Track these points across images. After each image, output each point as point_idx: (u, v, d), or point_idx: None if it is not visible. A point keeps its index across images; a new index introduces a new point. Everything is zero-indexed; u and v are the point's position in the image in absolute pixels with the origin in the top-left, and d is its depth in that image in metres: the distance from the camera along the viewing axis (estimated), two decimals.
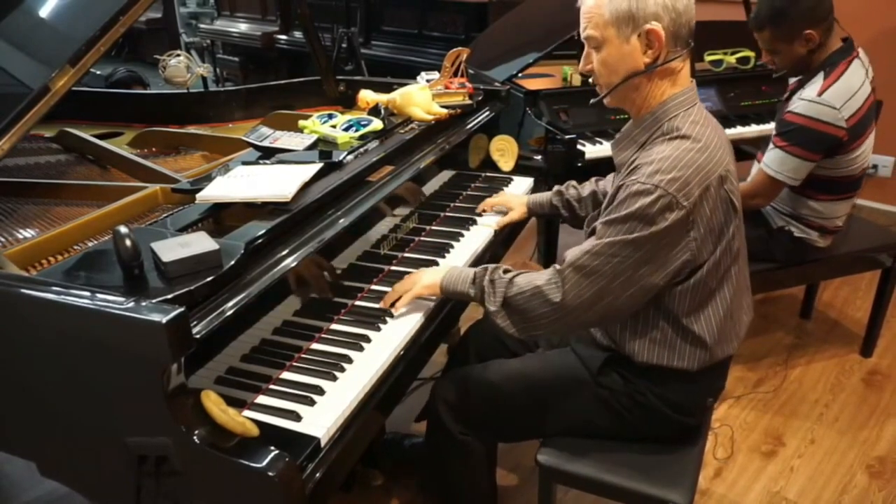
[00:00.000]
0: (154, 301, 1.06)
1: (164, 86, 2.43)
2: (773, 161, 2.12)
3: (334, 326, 1.47)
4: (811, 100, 2.05)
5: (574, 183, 1.86)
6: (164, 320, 0.98)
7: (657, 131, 1.34)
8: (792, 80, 2.28)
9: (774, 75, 2.28)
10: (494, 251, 1.91)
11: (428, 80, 2.09)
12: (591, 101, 1.44)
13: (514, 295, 1.38)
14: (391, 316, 1.49)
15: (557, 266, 1.37)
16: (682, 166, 1.25)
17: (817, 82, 2.08)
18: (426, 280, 1.50)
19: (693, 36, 1.33)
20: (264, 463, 1.04)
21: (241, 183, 1.48)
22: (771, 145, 2.14)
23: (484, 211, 1.95)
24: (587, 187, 1.84)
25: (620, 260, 1.28)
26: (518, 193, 2.04)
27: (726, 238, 1.33)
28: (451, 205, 2.03)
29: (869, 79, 2.14)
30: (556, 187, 1.89)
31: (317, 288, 1.45)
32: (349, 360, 1.35)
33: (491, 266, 1.46)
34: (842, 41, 2.13)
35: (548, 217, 1.95)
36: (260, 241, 1.30)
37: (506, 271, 1.44)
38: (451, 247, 1.79)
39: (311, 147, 1.69)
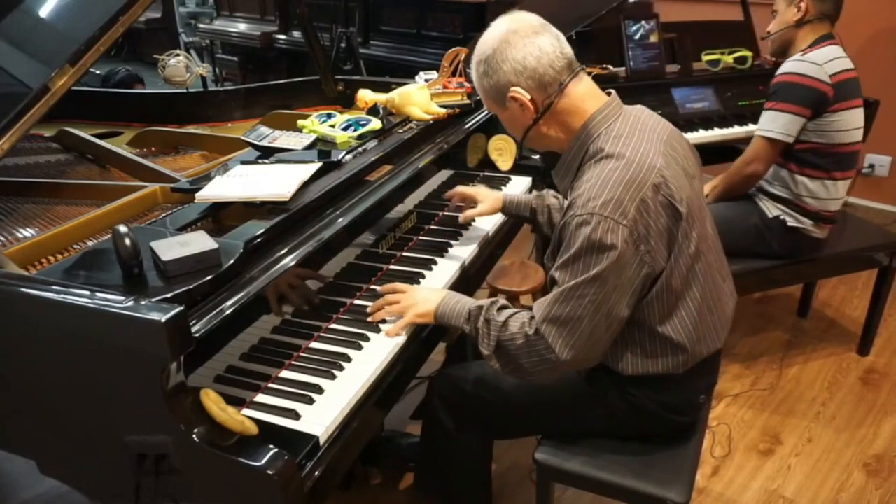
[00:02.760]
0: (153, 300, 1.06)
1: (163, 85, 2.43)
2: (763, 122, 2.23)
3: (333, 325, 1.47)
4: (794, 59, 2.20)
5: (554, 192, 1.81)
6: (163, 319, 0.99)
7: (585, 155, 1.36)
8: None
9: (762, 37, 2.45)
10: (492, 251, 1.91)
11: (426, 80, 2.09)
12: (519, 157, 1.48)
13: (506, 340, 1.36)
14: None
15: (534, 319, 1.33)
16: (610, 187, 1.25)
17: (800, 52, 2.23)
18: (421, 308, 1.46)
19: (570, 66, 1.34)
20: (263, 461, 1.04)
21: (240, 182, 1.49)
22: (763, 113, 2.25)
23: (454, 203, 1.88)
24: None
25: (591, 299, 1.26)
26: (491, 203, 1.86)
27: (678, 242, 1.31)
28: (450, 204, 2.04)
29: (849, 59, 2.25)
30: (535, 192, 1.86)
31: (315, 287, 1.45)
32: (348, 359, 1.36)
33: (487, 302, 1.41)
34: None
35: (521, 219, 1.87)
36: (259, 240, 1.30)
37: (501, 309, 1.40)
38: (450, 246, 1.79)
39: (309, 146, 1.70)
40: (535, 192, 1.84)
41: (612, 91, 1.41)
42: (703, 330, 1.41)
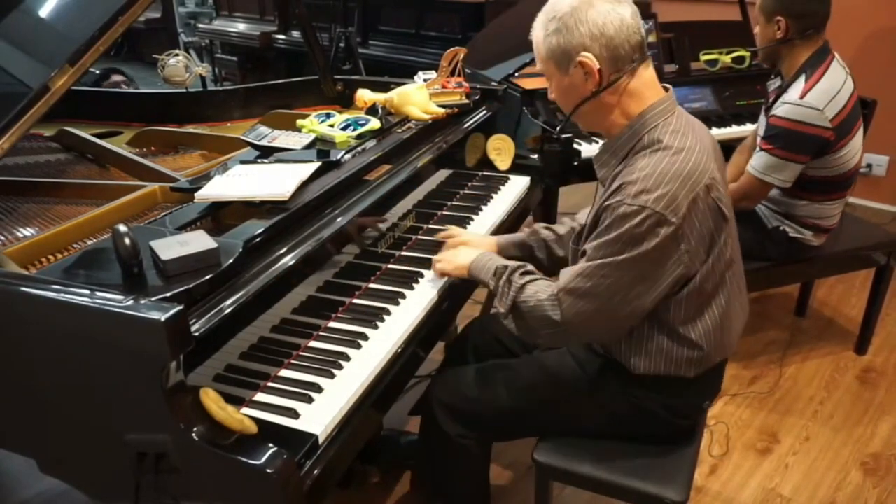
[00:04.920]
0: (153, 299, 1.07)
1: (162, 85, 2.43)
2: (760, 164, 2.14)
3: (332, 324, 1.48)
4: (794, 103, 2.07)
5: (545, 224, 1.76)
6: (162, 318, 0.99)
7: (637, 144, 1.32)
8: (771, 88, 2.30)
9: (750, 49, 2.43)
10: None
11: (425, 80, 2.10)
12: (557, 129, 1.46)
13: (521, 302, 1.39)
14: (388, 314, 1.50)
15: (555, 285, 1.36)
16: (668, 181, 1.23)
17: (799, 85, 2.10)
18: (461, 260, 1.57)
19: (642, 49, 1.31)
20: (262, 460, 1.05)
21: (239, 182, 1.49)
22: (757, 148, 2.17)
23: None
24: (563, 227, 1.72)
25: (614, 280, 1.27)
26: (482, 234, 1.87)
27: (718, 246, 1.32)
28: (449, 203, 2.04)
29: (849, 76, 2.16)
30: (525, 228, 1.80)
31: (315, 286, 1.46)
32: (347, 358, 1.36)
33: (514, 264, 1.46)
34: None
35: (517, 259, 1.71)
36: (258, 239, 1.30)
37: (524, 273, 1.43)
38: None
39: (309, 146, 1.70)
40: (525, 230, 1.78)
41: (670, 87, 1.38)
42: (721, 337, 1.41)
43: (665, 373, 1.41)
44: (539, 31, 1.34)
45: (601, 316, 1.31)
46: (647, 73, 1.33)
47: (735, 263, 1.40)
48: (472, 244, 1.69)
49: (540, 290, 1.38)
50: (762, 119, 2.33)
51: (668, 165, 1.25)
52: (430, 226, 1.91)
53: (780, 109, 2.10)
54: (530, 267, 1.46)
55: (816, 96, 2.05)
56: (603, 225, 1.29)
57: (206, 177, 1.56)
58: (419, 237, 1.85)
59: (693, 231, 1.26)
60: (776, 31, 2.13)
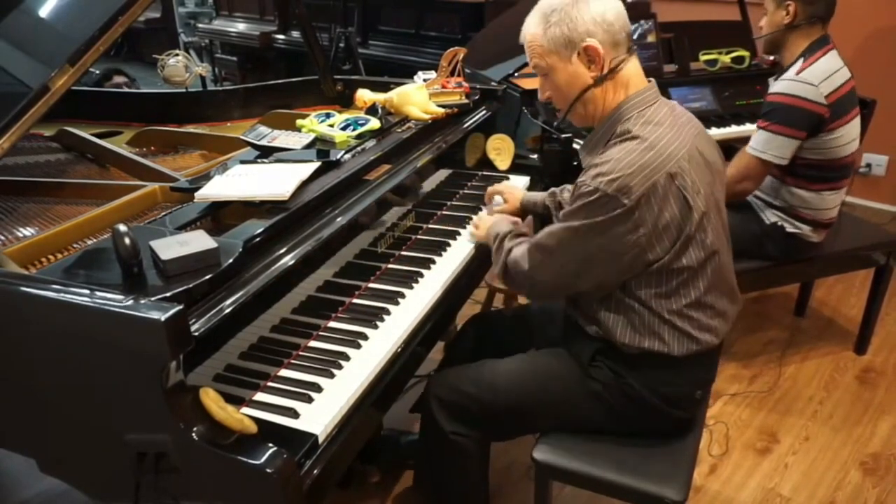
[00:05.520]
0: (153, 299, 1.07)
1: (162, 85, 2.43)
2: (757, 143, 2.17)
3: (332, 324, 1.48)
4: (790, 79, 2.12)
5: (569, 186, 1.85)
6: (162, 318, 0.99)
7: (613, 134, 1.39)
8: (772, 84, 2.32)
9: (754, 37, 2.48)
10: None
11: (425, 80, 2.10)
12: (555, 122, 1.59)
13: (509, 261, 1.54)
14: (388, 313, 1.51)
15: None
16: (623, 167, 1.30)
17: (796, 66, 2.15)
18: (483, 226, 1.77)
19: (630, 39, 1.40)
20: (262, 460, 1.05)
21: (239, 182, 1.49)
22: (755, 129, 2.20)
23: (490, 199, 2.00)
24: None
25: (570, 245, 1.39)
26: (519, 186, 2.09)
27: (686, 233, 1.35)
28: (448, 203, 2.05)
29: (846, 66, 2.20)
30: (550, 189, 1.89)
31: (314, 286, 1.46)
32: (347, 358, 1.36)
33: (511, 230, 1.63)
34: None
35: (539, 216, 1.97)
36: (258, 239, 1.30)
37: (514, 237, 1.59)
38: (448, 245, 1.80)
39: (308, 146, 1.70)
40: (550, 190, 1.89)
41: (653, 80, 1.44)
42: (704, 320, 1.44)
43: (649, 347, 1.44)
44: (537, 28, 1.40)
45: (562, 274, 1.44)
46: (632, 66, 1.42)
47: (719, 254, 1.43)
48: (504, 193, 1.96)
49: (521, 249, 1.53)
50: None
51: (627, 154, 1.32)
52: (430, 225, 1.92)
53: (776, 86, 2.16)
54: (525, 230, 1.63)
55: (812, 73, 2.10)
56: (571, 199, 1.40)
57: (206, 177, 1.56)
58: (419, 237, 1.85)
59: (650, 216, 1.31)
60: (784, 15, 2.18)
